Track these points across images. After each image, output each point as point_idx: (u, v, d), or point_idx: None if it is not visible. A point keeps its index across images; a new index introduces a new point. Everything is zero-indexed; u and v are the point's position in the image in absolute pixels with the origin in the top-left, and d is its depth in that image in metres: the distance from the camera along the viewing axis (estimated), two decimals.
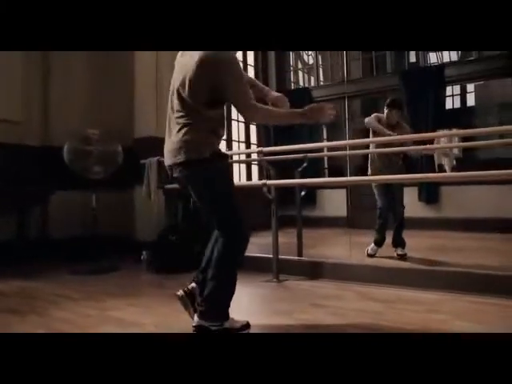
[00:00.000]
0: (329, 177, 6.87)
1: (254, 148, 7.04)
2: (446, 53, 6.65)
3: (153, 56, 4.20)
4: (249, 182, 6.06)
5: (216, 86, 1.69)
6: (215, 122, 1.79)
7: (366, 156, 3.97)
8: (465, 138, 4.06)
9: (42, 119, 4.28)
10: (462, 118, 6.95)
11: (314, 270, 3.05)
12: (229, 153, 3.26)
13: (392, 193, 3.64)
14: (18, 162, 3.99)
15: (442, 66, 6.24)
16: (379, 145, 3.60)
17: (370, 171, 3.73)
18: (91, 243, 3.55)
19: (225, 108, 1.87)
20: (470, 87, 7.30)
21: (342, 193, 6.45)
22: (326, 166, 7.22)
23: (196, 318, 1.80)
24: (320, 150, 5.81)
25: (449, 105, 6.94)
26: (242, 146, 7.09)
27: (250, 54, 7.28)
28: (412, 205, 5.03)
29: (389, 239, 3.68)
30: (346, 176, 5.93)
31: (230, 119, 6.46)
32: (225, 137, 1.70)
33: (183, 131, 1.74)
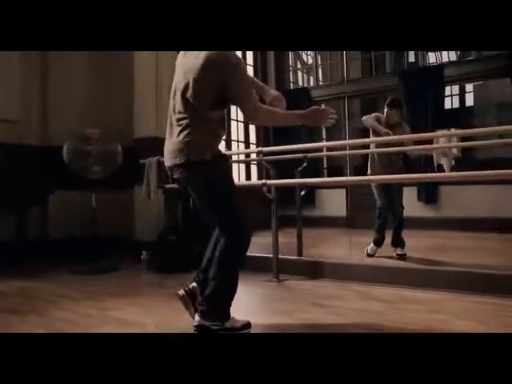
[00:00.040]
0: (328, 177, 6.88)
1: (253, 148, 7.04)
2: (444, 53, 6.67)
3: (152, 56, 4.20)
4: (249, 182, 6.06)
5: (221, 87, 1.69)
6: (216, 123, 1.79)
7: (365, 156, 3.98)
8: (463, 138, 4.07)
9: (41, 119, 4.27)
10: (460, 117, 6.97)
11: (314, 270, 3.06)
12: (228, 153, 3.27)
13: (391, 193, 3.64)
14: (17, 161, 3.99)
15: (440, 66, 6.25)
16: (379, 145, 3.60)
17: (369, 171, 3.73)
18: (91, 243, 3.55)
19: (225, 109, 1.87)
20: (469, 87, 7.33)
21: (342, 193, 6.45)
22: (325, 165, 7.23)
23: (197, 317, 1.80)
24: (319, 149, 5.81)
25: (448, 105, 6.97)
26: (242, 145, 7.09)
27: (250, 54, 7.28)
28: (411, 204, 5.03)
29: (388, 239, 3.69)
30: (344, 176, 5.94)
31: (229, 119, 6.47)
32: (224, 137, 1.71)
33: (185, 133, 1.74)
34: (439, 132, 4.33)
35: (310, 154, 3.66)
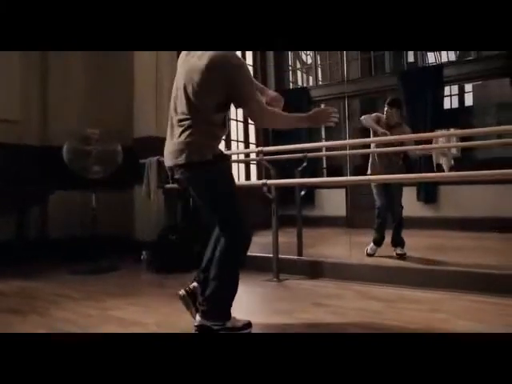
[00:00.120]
0: (327, 176, 6.88)
1: (252, 148, 7.04)
2: (444, 53, 6.67)
3: (152, 56, 4.20)
4: (249, 182, 6.07)
5: (225, 89, 1.70)
6: (218, 125, 1.80)
7: (364, 156, 3.98)
8: (463, 138, 4.08)
9: (41, 119, 4.27)
10: (460, 117, 6.97)
11: (314, 270, 3.06)
12: (228, 152, 3.27)
13: (391, 192, 3.65)
14: (17, 161, 3.99)
15: (440, 66, 6.26)
16: (379, 145, 3.61)
17: (369, 171, 3.74)
18: (91, 243, 3.55)
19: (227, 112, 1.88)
20: (468, 87, 7.32)
21: (341, 192, 6.46)
22: (324, 165, 7.23)
23: (198, 317, 1.80)
24: (319, 149, 5.82)
25: (447, 105, 6.97)
26: (241, 145, 7.09)
27: (249, 54, 7.28)
28: (410, 204, 5.04)
29: (388, 239, 3.69)
30: (344, 175, 5.94)
31: (228, 119, 6.47)
32: (224, 137, 1.73)
33: (186, 133, 1.74)
34: (438, 132, 4.34)
35: (309, 154, 3.67)
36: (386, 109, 3.65)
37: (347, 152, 4.35)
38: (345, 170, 6.40)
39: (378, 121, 3.62)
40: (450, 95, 7.15)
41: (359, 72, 7.22)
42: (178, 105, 1.79)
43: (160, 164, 3.62)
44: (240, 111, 2.29)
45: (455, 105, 7.36)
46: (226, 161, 1.88)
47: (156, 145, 3.23)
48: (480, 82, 6.87)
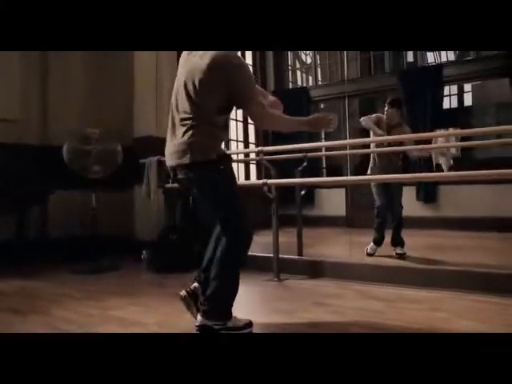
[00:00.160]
0: (327, 176, 6.89)
1: (252, 147, 7.04)
2: (443, 53, 6.68)
3: (152, 56, 4.20)
4: (249, 182, 6.07)
5: (226, 89, 1.70)
6: (220, 127, 1.80)
7: (364, 156, 3.99)
8: (462, 138, 4.08)
9: (41, 118, 4.27)
10: (459, 117, 6.98)
11: (315, 269, 3.07)
12: (228, 152, 3.26)
13: (390, 192, 3.65)
14: (17, 161, 3.98)
15: (439, 66, 6.26)
16: (379, 145, 3.61)
17: (369, 171, 3.74)
18: (91, 243, 3.55)
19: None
20: (468, 87, 7.33)
21: (341, 192, 6.47)
22: (323, 165, 7.24)
23: (199, 317, 1.80)
24: (319, 149, 5.82)
25: (446, 104, 6.98)
26: (241, 145, 7.09)
27: (249, 54, 7.28)
28: (410, 204, 5.05)
29: (388, 238, 3.70)
30: (344, 175, 5.95)
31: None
32: (225, 139, 1.77)
33: (189, 133, 1.74)
34: (438, 132, 4.35)
35: (309, 154, 3.67)
36: (386, 108, 3.66)
37: (347, 152, 4.35)
38: (345, 170, 6.42)
39: (378, 121, 3.62)
40: (450, 95, 7.15)
41: (359, 72, 7.23)
42: (179, 103, 1.79)
43: (160, 164, 3.62)
44: (240, 111, 2.31)
45: (454, 105, 7.37)
46: (228, 161, 1.88)
47: (156, 145, 3.23)
48: (479, 82, 6.89)
